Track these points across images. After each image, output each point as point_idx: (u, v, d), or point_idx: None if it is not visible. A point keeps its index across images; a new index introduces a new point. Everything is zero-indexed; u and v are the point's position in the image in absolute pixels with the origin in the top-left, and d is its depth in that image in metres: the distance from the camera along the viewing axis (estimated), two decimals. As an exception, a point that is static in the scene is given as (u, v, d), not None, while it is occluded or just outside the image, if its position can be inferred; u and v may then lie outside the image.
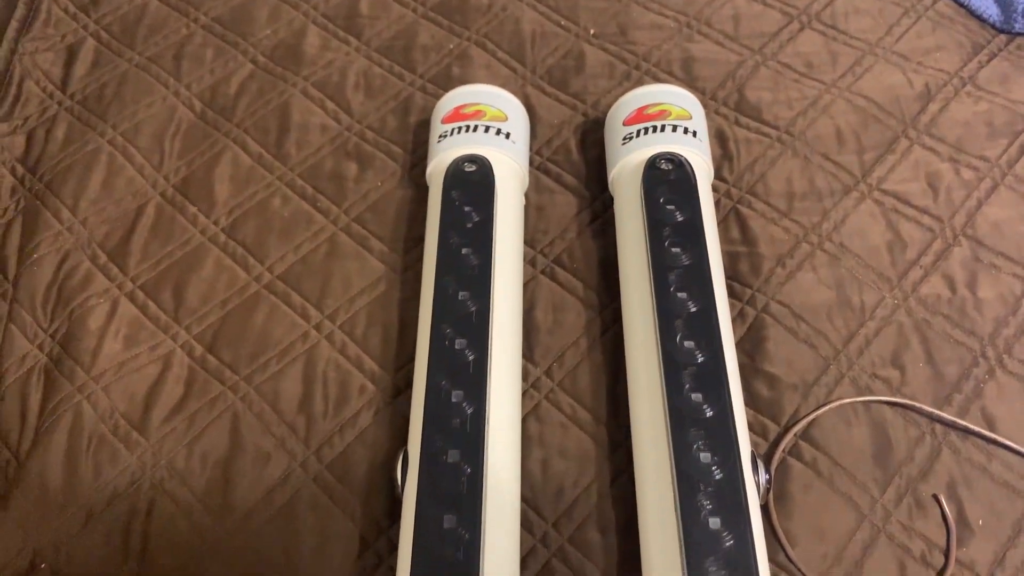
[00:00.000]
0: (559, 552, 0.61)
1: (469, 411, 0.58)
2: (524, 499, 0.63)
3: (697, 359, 0.60)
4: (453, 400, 0.59)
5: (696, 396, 0.58)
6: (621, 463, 0.64)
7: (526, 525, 0.62)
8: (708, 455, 0.56)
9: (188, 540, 0.61)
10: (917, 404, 0.65)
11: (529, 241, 0.76)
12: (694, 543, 0.53)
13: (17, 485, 0.62)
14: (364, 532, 0.62)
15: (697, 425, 0.57)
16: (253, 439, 0.65)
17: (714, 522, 0.53)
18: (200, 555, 0.61)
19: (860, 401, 0.65)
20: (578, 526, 0.62)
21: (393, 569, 0.60)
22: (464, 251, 0.66)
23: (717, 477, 0.55)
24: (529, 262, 0.75)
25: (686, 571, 0.52)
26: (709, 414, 0.57)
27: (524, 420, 0.66)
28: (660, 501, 0.56)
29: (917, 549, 0.60)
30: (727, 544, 0.52)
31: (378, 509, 0.63)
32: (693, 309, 0.62)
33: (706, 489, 0.55)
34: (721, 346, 0.60)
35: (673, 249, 0.65)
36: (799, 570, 0.59)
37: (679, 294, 0.63)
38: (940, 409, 0.65)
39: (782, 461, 0.64)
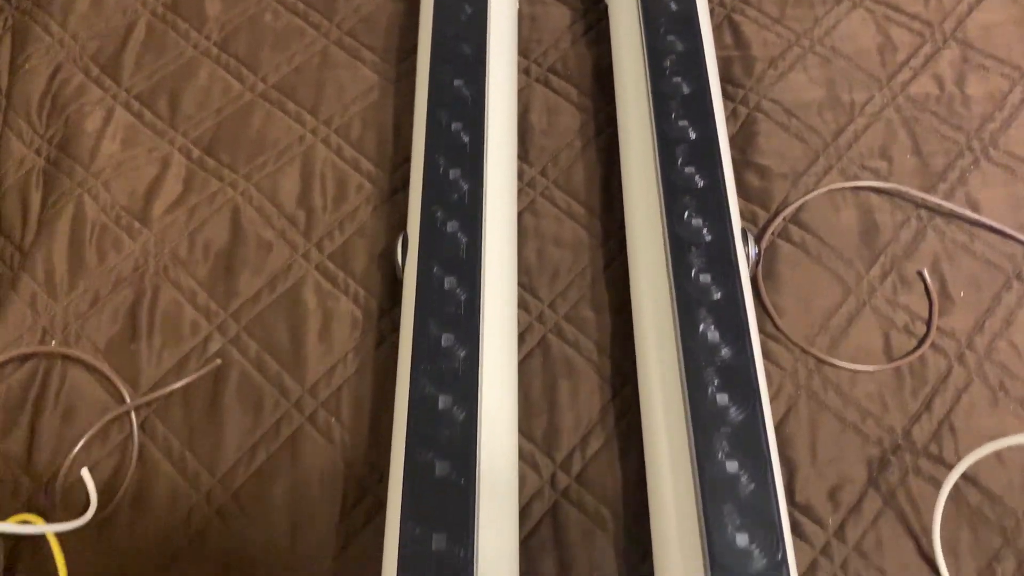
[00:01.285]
0: (555, 328, 0.63)
1: (466, 187, 0.59)
2: (521, 284, 0.65)
3: (690, 136, 0.61)
4: (451, 177, 0.60)
5: (688, 169, 0.60)
6: (614, 250, 0.66)
7: (523, 305, 0.64)
8: (699, 220, 0.58)
9: (194, 322, 0.63)
10: (904, 188, 0.66)
11: (523, 51, 0.76)
12: (685, 299, 0.54)
13: (24, 269, 0.64)
14: (367, 312, 0.63)
15: (689, 194, 0.58)
16: (254, 230, 0.67)
17: (704, 278, 0.55)
18: (206, 337, 0.63)
19: (848, 187, 0.67)
20: (573, 305, 0.64)
21: (395, 347, 0.62)
22: (458, 43, 0.66)
23: (707, 239, 0.57)
24: (523, 71, 0.75)
25: (678, 323, 0.54)
26: (700, 184, 0.59)
27: (520, 215, 0.68)
28: (652, 265, 0.58)
29: (900, 320, 0.62)
30: (716, 296, 0.54)
31: (380, 293, 0.64)
32: (687, 91, 0.63)
33: (697, 250, 0.56)
34: (714, 122, 0.61)
35: (668, 37, 0.65)
36: (786, 337, 0.61)
37: (674, 78, 0.63)
38: (927, 195, 0.66)
39: (771, 243, 0.65)
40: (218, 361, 0.61)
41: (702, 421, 0.50)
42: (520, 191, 0.69)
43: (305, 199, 0.68)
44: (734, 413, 0.51)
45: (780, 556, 0.46)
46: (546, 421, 0.60)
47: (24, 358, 0.61)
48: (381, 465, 0.58)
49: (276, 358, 0.62)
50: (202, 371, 0.60)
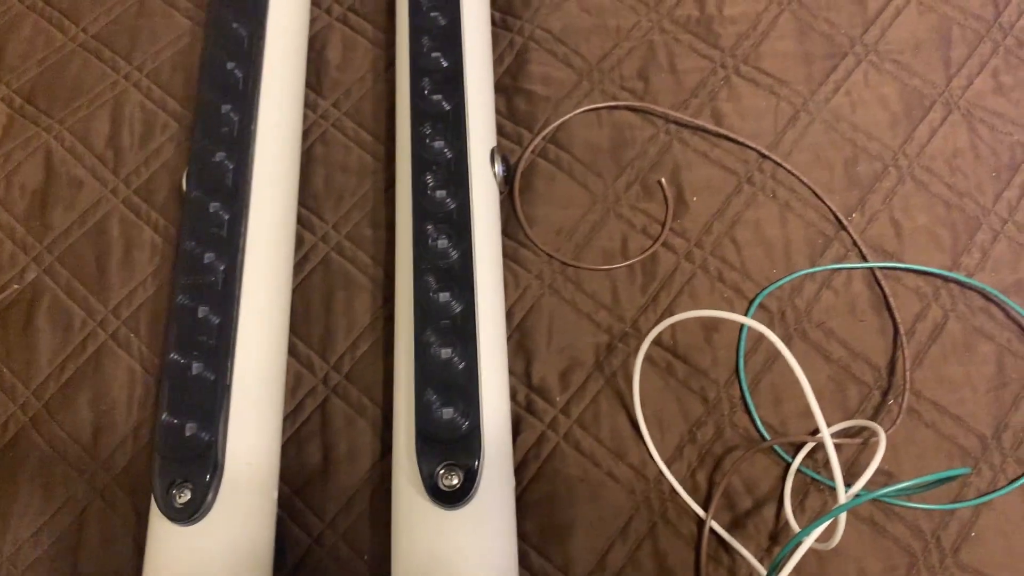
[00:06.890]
0: (336, 246, 0.70)
1: (236, 120, 0.66)
2: (308, 207, 0.72)
3: (441, 64, 0.67)
4: (222, 112, 0.66)
5: (436, 96, 0.66)
6: (394, 176, 0.73)
7: (310, 227, 0.71)
8: (441, 142, 0.64)
9: (12, 254, 0.70)
10: (653, 107, 0.73)
11: (324, -6, 0.82)
12: (421, 212, 0.62)
13: None
14: (166, 239, 0.71)
15: (434, 119, 0.65)
16: (66, 170, 0.73)
17: (440, 195, 0.62)
18: (23, 268, 0.70)
19: (603, 107, 0.74)
20: (354, 225, 0.71)
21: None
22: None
23: (448, 157, 0.64)
24: (325, 11, 0.81)
25: (413, 233, 0.61)
26: (446, 108, 0.66)
27: (312, 146, 0.74)
28: (404, 184, 0.65)
29: (639, 223, 0.70)
30: (449, 208, 0.62)
31: (177, 221, 0.71)
32: (442, 23, 0.69)
33: (437, 171, 0.63)
34: (462, 52, 0.67)
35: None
36: (533, 243, 0.69)
37: (431, 13, 0.69)
38: (677, 111, 0.73)
39: (532, 162, 0.72)
40: (16, 286, 0.68)
41: (422, 314, 0.58)
42: (313, 123, 0.75)
43: (114, 140, 0.75)
44: (454, 306, 0.58)
45: (474, 422, 0.54)
46: (323, 327, 0.67)
47: None
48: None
49: (84, 283, 0.69)
50: (8, 291, 0.67)
